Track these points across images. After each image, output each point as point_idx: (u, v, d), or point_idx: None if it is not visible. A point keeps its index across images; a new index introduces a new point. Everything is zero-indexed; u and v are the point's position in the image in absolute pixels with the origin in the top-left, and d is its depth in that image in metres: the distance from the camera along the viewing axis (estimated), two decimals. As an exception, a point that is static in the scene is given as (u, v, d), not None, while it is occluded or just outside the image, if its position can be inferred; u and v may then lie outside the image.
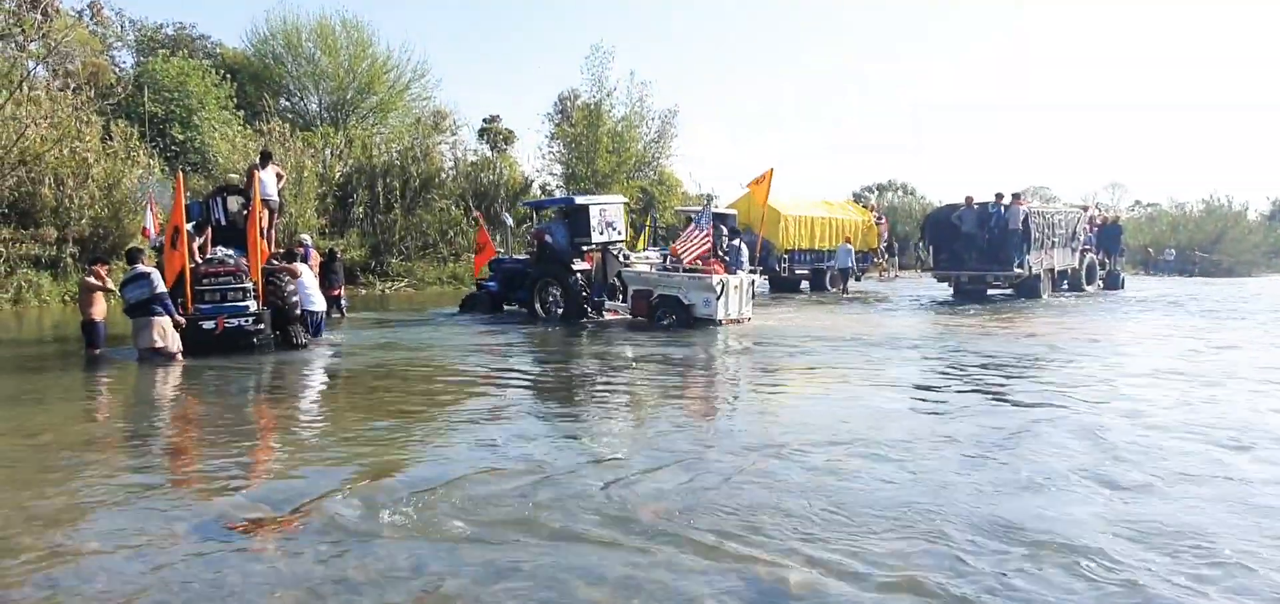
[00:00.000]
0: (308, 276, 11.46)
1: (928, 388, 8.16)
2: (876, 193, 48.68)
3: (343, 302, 14.37)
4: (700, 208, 17.02)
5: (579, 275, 14.24)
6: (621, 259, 14.87)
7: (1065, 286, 21.50)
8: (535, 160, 43.37)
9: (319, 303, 11.54)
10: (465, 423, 6.62)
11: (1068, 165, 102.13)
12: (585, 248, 14.62)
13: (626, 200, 16.39)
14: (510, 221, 16.52)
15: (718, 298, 13.03)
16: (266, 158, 11.96)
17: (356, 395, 8.16)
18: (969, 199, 19.44)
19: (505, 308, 15.78)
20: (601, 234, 14.66)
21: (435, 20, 72.75)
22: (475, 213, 24.43)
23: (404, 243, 24.47)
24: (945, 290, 20.47)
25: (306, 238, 13.72)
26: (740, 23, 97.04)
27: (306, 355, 10.38)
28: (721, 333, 12.49)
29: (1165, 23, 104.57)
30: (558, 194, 34.06)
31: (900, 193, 48.71)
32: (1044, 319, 14.98)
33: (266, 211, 11.58)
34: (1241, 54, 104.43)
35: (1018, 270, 18.68)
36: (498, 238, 17.72)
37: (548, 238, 14.60)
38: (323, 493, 4.55)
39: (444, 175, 27.35)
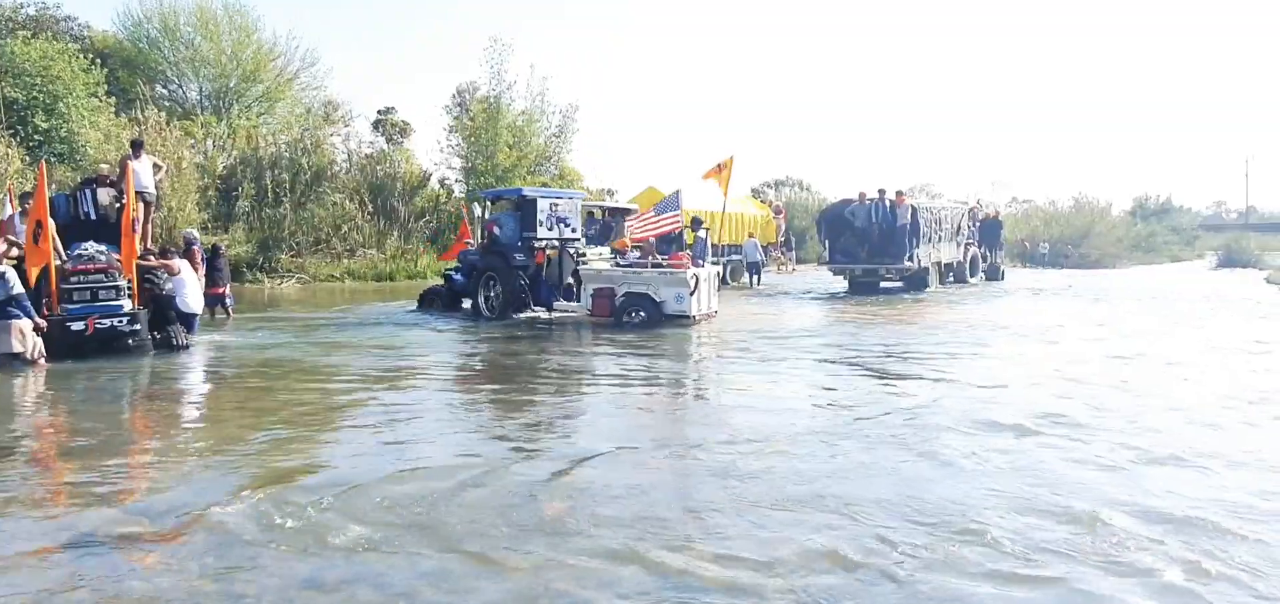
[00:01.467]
0: (187, 273, 10.81)
1: (895, 377, 8.38)
2: (774, 188, 49.80)
3: (228, 300, 13.62)
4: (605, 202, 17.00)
5: (521, 271, 13.69)
6: (576, 257, 14.37)
7: (950, 279, 22.56)
8: (434, 154, 42.44)
9: (196, 304, 10.90)
10: (364, 425, 6.38)
11: (952, 163, 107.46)
12: (536, 243, 14.03)
13: (585, 196, 16.01)
14: (479, 212, 15.69)
15: (692, 293, 12.57)
16: (139, 147, 11.22)
17: (244, 398, 7.74)
18: (861, 195, 20.14)
19: (465, 304, 14.89)
20: (550, 229, 14.15)
21: (327, 9, 70.16)
22: (462, 204, 23.53)
23: (294, 238, 23.46)
24: (841, 284, 21.14)
25: (193, 232, 12.88)
26: (637, 20, 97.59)
27: (188, 358, 9.79)
28: (692, 331, 12.23)
29: (1045, 28, 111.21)
30: (457, 190, 33.43)
31: (796, 188, 49.97)
32: (954, 309, 15.75)
33: (141, 205, 10.87)
34: (1108, 61, 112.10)
35: (908, 264, 19.46)
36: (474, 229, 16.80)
37: (496, 230, 14.06)
38: (209, 503, 4.28)
39: (336, 168, 26.39)
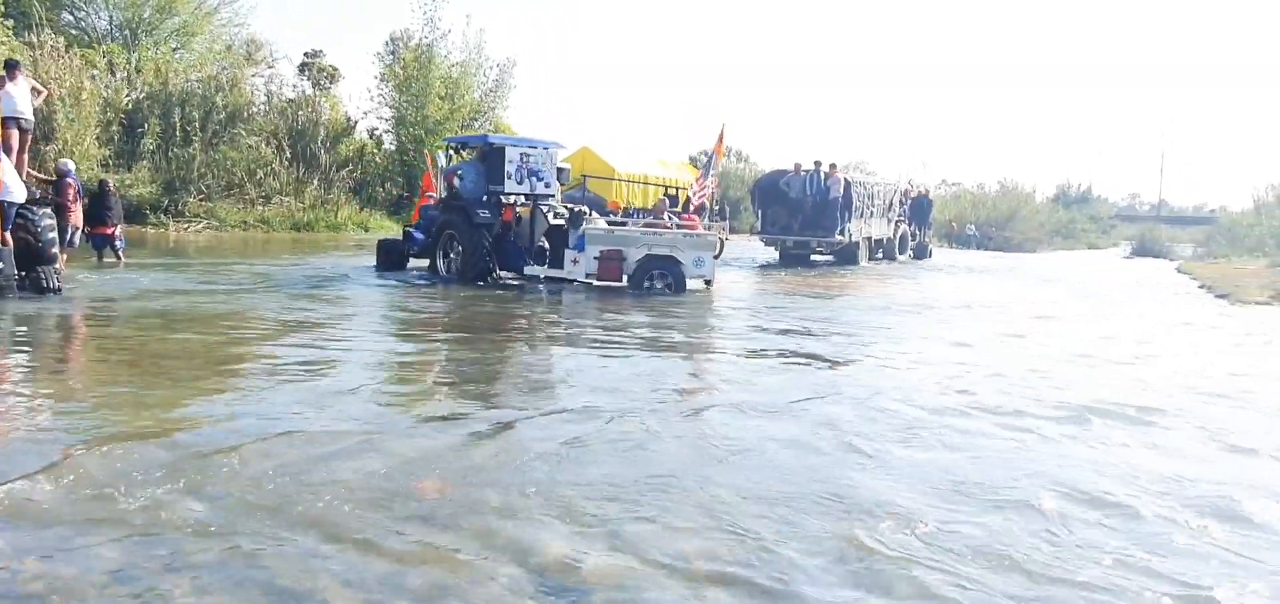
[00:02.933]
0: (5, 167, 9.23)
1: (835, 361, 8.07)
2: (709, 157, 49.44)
3: (118, 242, 12.59)
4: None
5: (485, 229, 12.37)
6: (551, 216, 13.04)
7: (880, 255, 22.64)
8: (364, 102, 40.82)
9: (18, 193, 9.47)
10: (250, 380, 5.79)
11: (884, 142, 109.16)
12: (503, 198, 12.81)
13: (559, 145, 14.14)
14: (443, 161, 14.22)
15: (717, 256, 12.22)
16: (14, 68, 10.14)
17: (110, 348, 7.03)
18: (797, 166, 19.94)
19: (421, 260, 13.66)
20: (521, 184, 12.84)
21: (253, -59, 66.62)
22: (426, 150, 21.82)
23: (204, 181, 22.13)
24: (773, 254, 20.96)
25: (67, 163, 11.72)
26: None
27: (58, 302, 8.93)
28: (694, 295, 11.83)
29: (978, 13, 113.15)
30: (387, 141, 32.13)
31: (733, 158, 49.75)
32: (888, 283, 15.69)
33: (16, 132, 9.86)
34: (1037, 49, 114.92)
35: (839, 237, 19.37)
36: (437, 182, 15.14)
37: (457, 181, 12.66)
38: (22, 473, 3.69)
39: (254, 110, 24.97)
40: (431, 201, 14.35)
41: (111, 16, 31.60)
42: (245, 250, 17.16)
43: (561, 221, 12.81)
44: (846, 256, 19.90)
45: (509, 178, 12.77)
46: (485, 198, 12.68)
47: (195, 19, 32.40)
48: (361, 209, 25.48)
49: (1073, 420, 5.59)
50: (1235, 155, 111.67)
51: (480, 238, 12.34)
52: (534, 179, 13.06)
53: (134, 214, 20.33)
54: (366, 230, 23.27)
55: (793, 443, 4.82)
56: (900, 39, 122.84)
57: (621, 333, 8.82)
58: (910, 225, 24.82)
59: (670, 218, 13.33)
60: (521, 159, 12.95)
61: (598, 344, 8.07)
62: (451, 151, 14.12)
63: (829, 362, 7.66)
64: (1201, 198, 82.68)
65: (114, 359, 6.63)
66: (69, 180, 11.07)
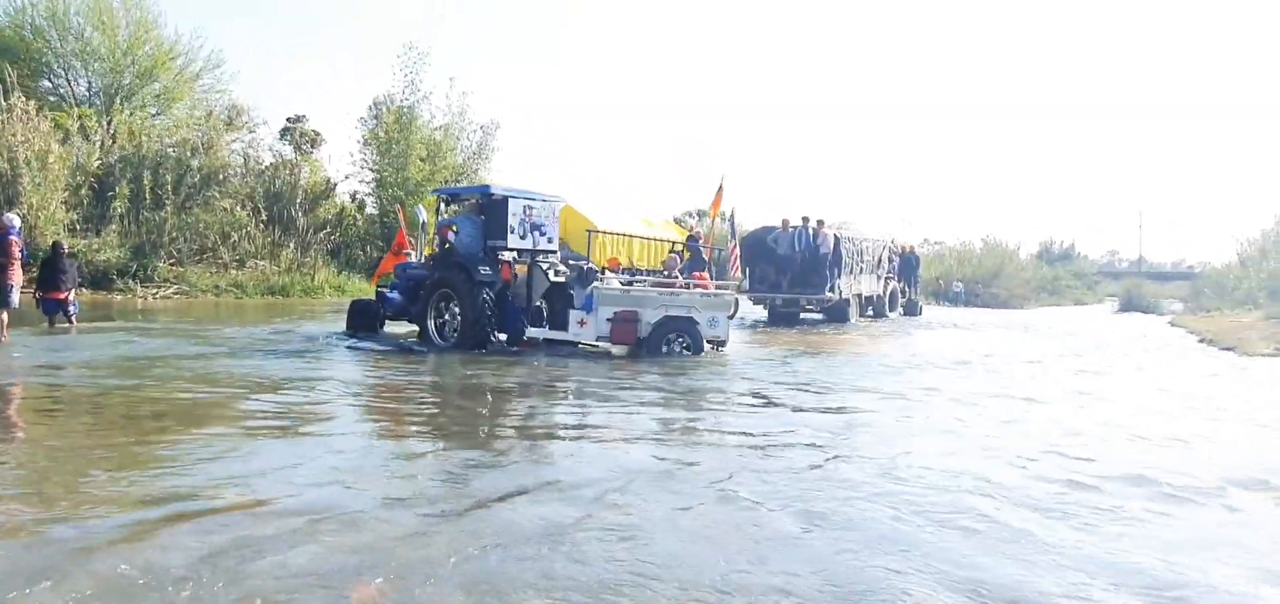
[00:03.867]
0: None
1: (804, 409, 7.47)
2: (697, 216, 49.42)
3: (72, 307, 11.87)
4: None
5: (487, 289, 11.22)
6: (551, 274, 12.01)
7: (870, 313, 22.17)
8: (346, 166, 40.53)
9: None
10: (185, 457, 5.12)
11: (865, 202, 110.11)
12: (502, 254, 11.76)
13: (561, 199, 13.21)
14: (424, 216, 13.23)
15: (731, 317, 11.61)
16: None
17: (34, 419, 6.34)
18: (784, 222, 19.55)
19: (396, 325, 12.65)
20: (523, 238, 11.79)
21: (238, 11, 67.11)
22: (397, 207, 20.91)
23: (175, 245, 21.47)
24: (761, 312, 20.45)
25: (11, 218, 10.96)
26: (559, 40, 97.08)
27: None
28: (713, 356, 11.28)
29: (955, 73, 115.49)
30: (370, 204, 31.61)
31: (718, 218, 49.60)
32: (905, 338, 15.13)
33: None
34: (1017, 107, 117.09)
35: (829, 294, 18.89)
36: (413, 239, 14.29)
37: (452, 234, 11.57)
38: None
39: (230, 173, 24.44)
40: (410, 259, 13.61)
41: (90, 83, 31.27)
42: (214, 315, 16.45)
43: (561, 280, 11.89)
44: (837, 314, 19.41)
45: (512, 232, 11.72)
46: (484, 253, 11.68)
47: (176, 85, 32.10)
48: (340, 273, 24.86)
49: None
50: (1211, 213, 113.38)
51: (483, 299, 11.22)
52: (537, 233, 12.08)
53: (101, 279, 19.65)
54: (343, 293, 22.62)
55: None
56: (882, 95, 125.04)
57: (635, 399, 8.19)
58: (899, 282, 24.45)
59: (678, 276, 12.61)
60: (525, 212, 11.96)
61: (599, 426, 7.44)
62: (441, 204, 13.13)
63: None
64: (1180, 254, 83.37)
65: (35, 432, 5.94)
66: (12, 237, 10.40)
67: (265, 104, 76.93)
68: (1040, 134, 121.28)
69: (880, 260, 22.47)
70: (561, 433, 6.61)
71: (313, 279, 23.28)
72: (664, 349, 11.09)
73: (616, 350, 11.25)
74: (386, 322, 12.84)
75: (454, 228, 11.77)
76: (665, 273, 12.76)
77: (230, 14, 65.51)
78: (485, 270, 11.39)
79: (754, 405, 7.94)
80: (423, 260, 13.29)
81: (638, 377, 9.33)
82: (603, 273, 12.04)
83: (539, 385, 8.92)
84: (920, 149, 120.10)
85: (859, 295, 20.84)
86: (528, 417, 7.31)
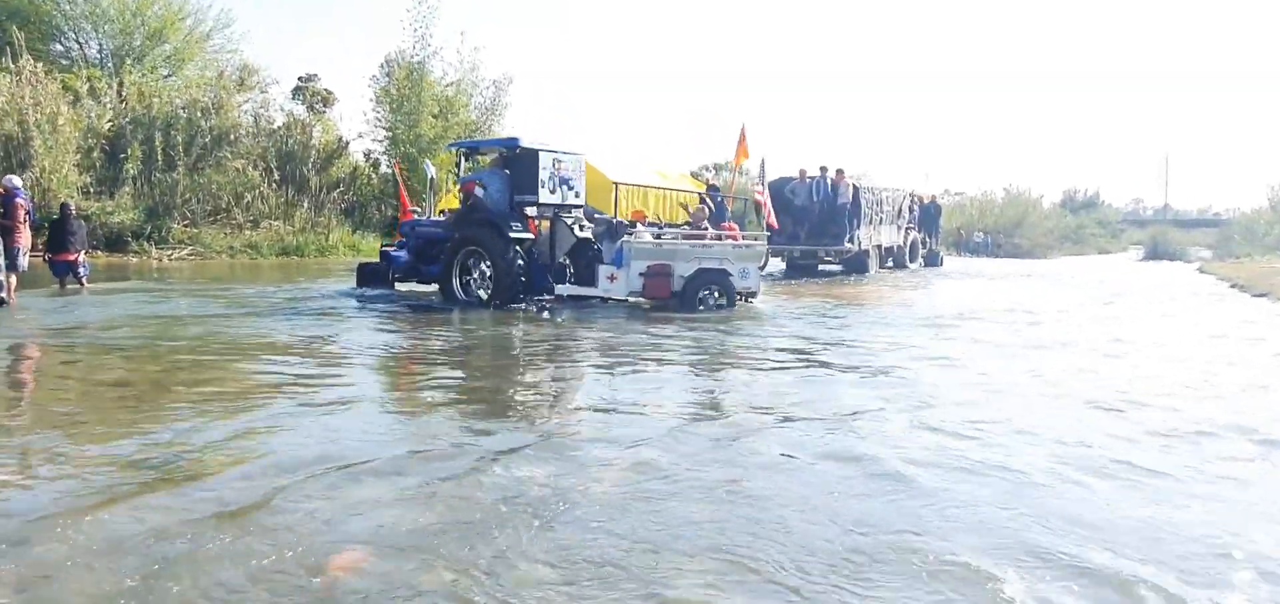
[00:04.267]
0: None
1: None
2: (713, 170, 48.86)
3: (82, 268, 11.78)
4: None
5: (518, 245, 10.93)
6: (577, 229, 11.75)
7: (890, 264, 21.81)
8: (359, 124, 40.22)
9: None
10: (176, 418, 4.97)
11: (885, 153, 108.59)
12: (531, 210, 11.46)
13: (584, 155, 12.72)
14: (433, 173, 12.90)
15: (762, 268, 11.55)
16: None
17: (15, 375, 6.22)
18: (802, 173, 19.16)
19: (409, 284, 12.32)
20: (553, 192, 11.40)
21: (247, -31, 66.35)
22: (394, 163, 20.58)
23: (189, 206, 21.40)
24: (777, 264, 20.13)
25: (13, 180, 10.83)
26: (568, 6, 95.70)
27: None
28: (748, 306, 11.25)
29: (974, 20, 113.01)
30: (385, 162, 31.31)
31: (733, 171, 49.06)
32: (952, 285, 14.82)
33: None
34: (1037, 54, 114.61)
35: (848, 245, 18.55)
36: (425, 196, 13.70)
37: (479, 190, 11.21)
38: None
39: (241, 133, 24.25)
40: (416, 216, 13.35)
41: (101, 45, 31.11)
42: (230, 275, 16.37)
43: (586, 235, 11.66)
44: (856, 265, 19.09)
45: (543, 185, 11.32)
46: (512, 209, 11.34)
47: (186, 46, 31.89)
48: (354, 231, 24.74)
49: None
50: (1237, 159, 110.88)
51: (515, 255, 10.96)
52: (565, 188, 11.66)
53: (115, 242, 19.64)
54: (358, 252, 22.52)
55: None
56: (899, 47, 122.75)
57: (699, 357, 7.98)
58: (919, 232, 24.01)
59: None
60: (554, 165, 11.54)
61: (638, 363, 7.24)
62: (460, 159, 12.67)
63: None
64: (1206, 201, 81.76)
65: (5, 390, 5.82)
66: (18, 199, 10.28)
67: (277, 64, 76.59)
68: (1064, 82, 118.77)
69: (900, 210, 22.06)
70: (659, 403, 6.42)
71: (327, 238, 23.19)
72: (698, 301, 10.91)
73: (645, 304, 11.08)
74: (396, 282, 12.62)
75: (480, 184, 11.40)
76: (694, 225, 12.49)
77: (240, -27, 64.90)
78: (517, 226, 11.15)
79: (826, 366, 7.70)
80: (436, 217, 13.07)
81: (684, 331, 9.12)
82: (633, 227, 11.82)
83: (606, 342, 8.70)
84: (941, 102, 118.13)
85: (878, 246, 20.49)
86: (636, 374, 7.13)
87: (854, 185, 18.77)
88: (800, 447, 4.49)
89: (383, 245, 13.76)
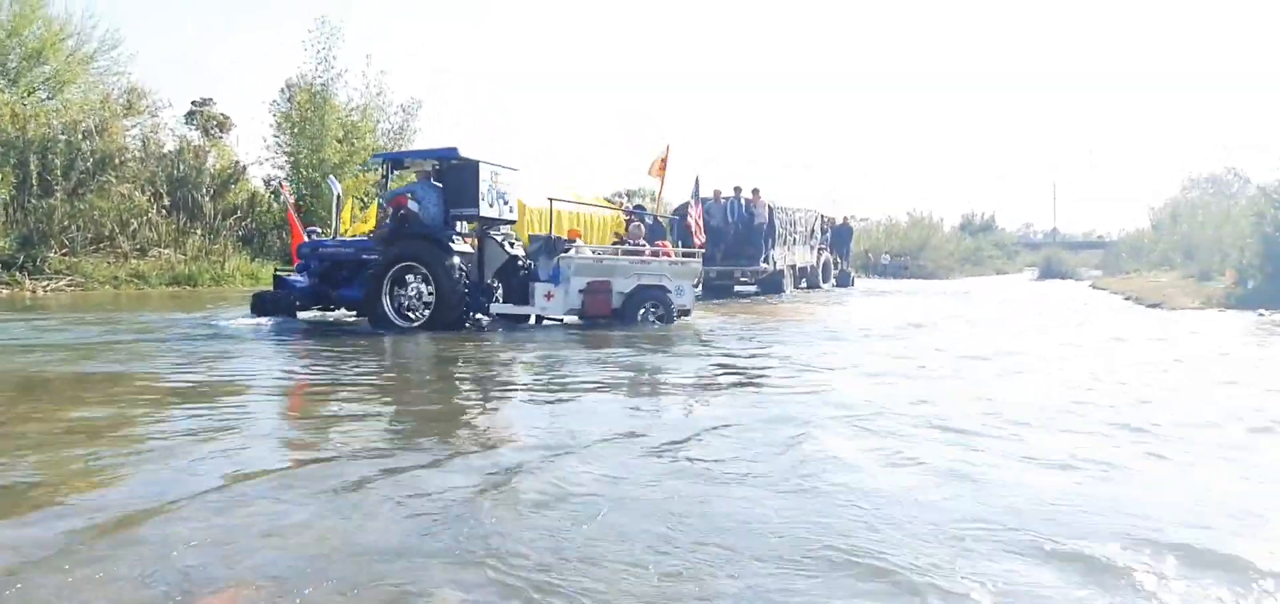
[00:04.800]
0: None
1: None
2: (626, 196, 48.94)
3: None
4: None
5: (458, 259, 10.37)
6: (507, 245, 11.22)
7: (804, 284, 22.05)
8: (258, 150, 38.76)
9: None
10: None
11: (791, 176, 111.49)
12: (464, 225, 10.99)
13: (518, 169, 12.22)
14: (338, 190, 12.13)
15: (696, 285, 11.43)
16: None
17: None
18: (716, 193, 19.19)
19: (311, 312, 11.47)
20: (490, 207, 10.87)
21: (137, -9, 63.32)
22: (278, 183, 19.21)
23: (67, 234, 19.90)
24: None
25: None
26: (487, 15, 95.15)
27: None
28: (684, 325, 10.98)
29: (877, 46, 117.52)
30: (286, 189, 29.95)
31: (648, 199, 49.31)
32: (879, 302, 14.84)
33: None
34: (937, 79, 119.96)
35: (764, 265, 18.63)
36: (329, 216, 12.78)
37: (412, 203, 10.49)
38: None
39: (127, 156, 22.80)
40: (318, 235, 12.56)
41: (-30, 66, 28.96)
42: (112, 305, 15.15)
43: (516, 251, 11.27)
44: (772, 285, 19.19)
45: (483, 198, 10.75)
46: (445, 224, 10.77)
47: (68, 67, 29.96)
48: (253, 259, 23.50)
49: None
50: (1118, 185, 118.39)
51: (459, 273, 10.32)
52: (501, 203, 11.18)
53: (-17, 272, 18.03)
54: (257, 280, 21.34)
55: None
56: (804, 73, 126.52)
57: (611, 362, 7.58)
58: (832, 253, 24.42)
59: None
60: (493, 178, 11.03)
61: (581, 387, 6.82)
62: (387, 172, 11.71)
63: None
64: (1090, 225, 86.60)
65: None
66: None
67: (170, 87, 73.09)
68: (958, 108, 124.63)
69: (812, 231, 22.38)
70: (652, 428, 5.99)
71: (222, 267, 21.93)
72: (639, 318, 10.72)
73: (568, 321, 10.85)
74: (298, 309, 11.81)
75: (413, 196, 10.66)
76: (628, 241, 12.29)
77: (129, -6, 61.83)
78: (457, 242, 10.63)
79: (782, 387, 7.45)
80: (343, 237, 12.35)
81: (629, 347, 8.82)
82: (571, 244, 11.49)
83: (573, 358, 8.25)
84: (844, 126, 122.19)
85: (793, 266, 20.69)
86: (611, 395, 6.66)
87: (769, 206, 18.89)
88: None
89: (277, 271, 12.93)
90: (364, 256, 11.11)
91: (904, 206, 71.72)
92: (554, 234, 11.69)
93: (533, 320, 11.10)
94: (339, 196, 12.34)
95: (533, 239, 11.75)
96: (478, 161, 10.85)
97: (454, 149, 11.03)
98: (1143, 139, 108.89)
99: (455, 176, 10.82)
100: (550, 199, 12.77)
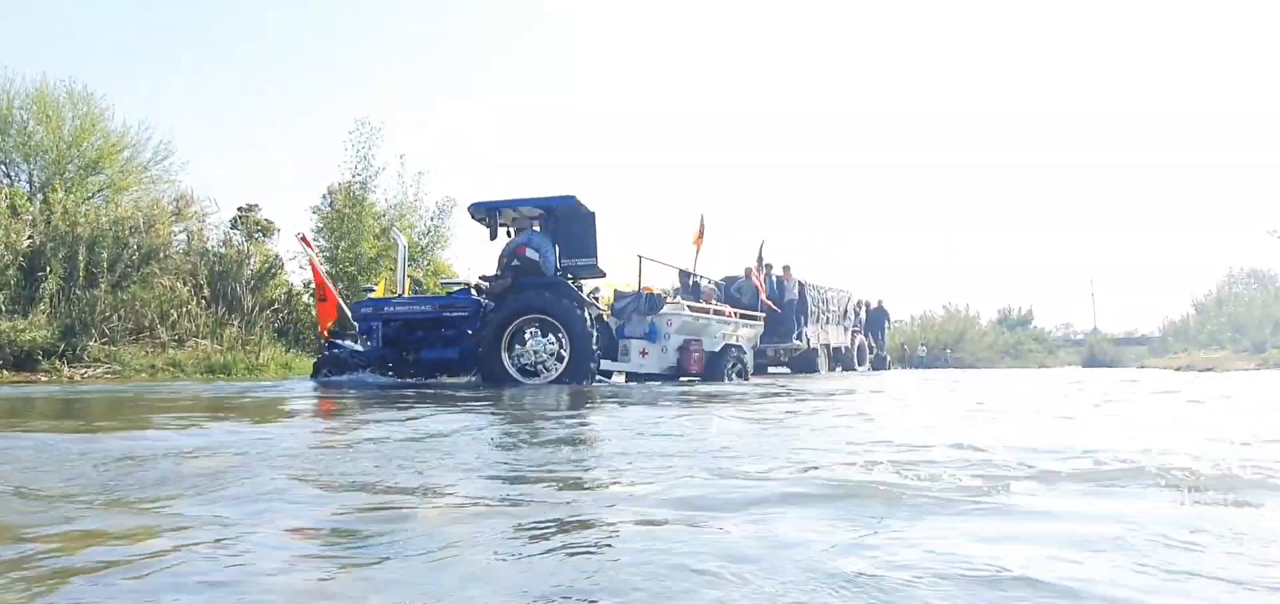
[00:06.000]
0: None
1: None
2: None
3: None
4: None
5: (588, 312, 10.14)
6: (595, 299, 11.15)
7: (838, 367, 21.64)
8: (299, 256, 39.84)
9: None
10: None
11: (824, 267, 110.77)
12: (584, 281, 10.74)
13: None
14: (403, 243, 11.33)
15: (754, 348, 11.85)
16: None
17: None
18: (748, 270, 19.09)
19: (371, 373, 10.84)
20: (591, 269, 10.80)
21: (196, 99, 66.63)
22: (302, 235, 19.08)
23: (108, 323, 20.33)
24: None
25: None
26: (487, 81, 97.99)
27: None
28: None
29: (898, 135, 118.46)
30: (309, 242, 30.30)
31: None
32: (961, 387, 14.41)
33: None
34: (974, 175, 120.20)
35: (797, 342, 18.35)
36: (387, 274, 12.56)
37: (530, 253, 10.20)
38: None
39: (171, 250, 23.48)
40: (374, 294, 12.12)
41: (32, 177, 30.30)
42: (139, 392, 15.26)
43: (600, 309, 11.14)
44: (805, 365, 18.85)
45: (598, 255, 10.66)
46: (561, 276, 10.46)
47: (122, 176, 31.26)
48: (287, 351, 23.77)
49: None
50: (1155, 285, 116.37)
51: (589, 325, 9.99)
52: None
53: (24, 361, 18.40)
54: (290, 371, 21.51)
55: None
56: (832, 168, 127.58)
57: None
58: (866, 335, 24.06)
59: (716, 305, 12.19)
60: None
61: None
62: (489, 220, 10.94)
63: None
64: (1131, 324, 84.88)
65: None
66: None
67: (219, 194, 75.91)
68: (993, 204, 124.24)
69: (846, 312, 22.10)
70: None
71: (257, 357, 22.17)
72: (725, 377, 10.76)
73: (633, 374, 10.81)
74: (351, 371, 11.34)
75: (529, 246, 10.30)
76: (707, 300, 12.40)
77: (185, 110, 64.99)
78: (584, 294, 10.48)
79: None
80: (400, 294, 11.74)
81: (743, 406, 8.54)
82: (662, 301, 11.35)
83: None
84: (878, 222, 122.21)
85: (826, 346, 20.35)
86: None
87: (800, 282, 18.73)
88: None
89: (329, 340, 12.16)
90: (446, 314, 10.63)
91: (938, 301, 70.89)
92: (652, 291, 11.42)
93: (621, 378, 10.90)
94: (404, 248, 11.95)
95: (619, 296, 11.52)
96: (593, 212, 10.50)
97: (572, 196, 10.51)
98: (1182, 234, 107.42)
99: (569, 226, 10.54)
100: (639, 256, 12.85)
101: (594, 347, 10.04)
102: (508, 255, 10.43)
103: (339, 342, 11.66)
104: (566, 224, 10.59)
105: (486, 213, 10.93)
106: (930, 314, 53.29)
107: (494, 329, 10.08)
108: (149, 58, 60.41)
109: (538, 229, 10.78)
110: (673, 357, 10.62)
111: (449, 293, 11.78)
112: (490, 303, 10.41)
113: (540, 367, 10.04)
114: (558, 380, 9.92)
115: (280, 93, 73.14)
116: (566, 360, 9.96)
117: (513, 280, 10.27)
